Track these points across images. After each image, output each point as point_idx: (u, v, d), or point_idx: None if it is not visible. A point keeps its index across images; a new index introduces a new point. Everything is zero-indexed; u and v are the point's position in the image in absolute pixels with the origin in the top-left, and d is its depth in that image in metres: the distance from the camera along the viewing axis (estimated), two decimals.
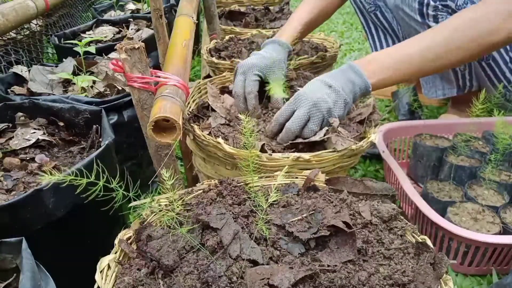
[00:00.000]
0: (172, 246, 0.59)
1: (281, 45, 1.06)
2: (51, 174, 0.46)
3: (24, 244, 0.58)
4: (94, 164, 0.76)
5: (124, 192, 0.53)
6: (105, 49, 1.45)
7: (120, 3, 2.29)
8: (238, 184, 0.72)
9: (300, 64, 1.20)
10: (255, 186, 0.73)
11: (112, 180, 0.50)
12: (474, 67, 1.27)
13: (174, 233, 0.59)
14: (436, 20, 1.16)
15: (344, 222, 0.60)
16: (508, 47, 1.20)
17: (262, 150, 0.80)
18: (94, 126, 0.95)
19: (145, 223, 0.66)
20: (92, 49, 1.35)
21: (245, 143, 0.65)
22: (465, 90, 1.33)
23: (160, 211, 0.67)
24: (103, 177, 0.49)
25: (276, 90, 0.96)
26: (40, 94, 1.15)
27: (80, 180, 0.48)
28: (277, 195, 0.61)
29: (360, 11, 1.53)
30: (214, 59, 1.27)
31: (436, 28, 0.91)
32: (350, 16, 3.03)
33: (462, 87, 1.33)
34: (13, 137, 0.96)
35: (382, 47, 1.64)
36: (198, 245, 0.59)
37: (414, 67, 0.89)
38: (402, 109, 1.50)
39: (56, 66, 1.28)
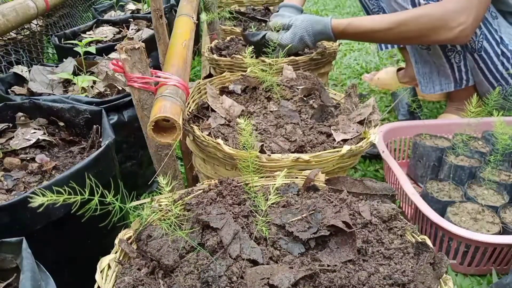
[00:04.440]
0: (172, 246, 0.60)
1: (293, 7, 1.36)
2: (43, 195, 0.46)
3: (25, 244, 0.58)
4: (92, 168, 0.76)
5: (121, 205, 0.53)
6: (105, 49, 1.45)
7: (120, 3, 2.29)
8: (238, 184, 0.72)
9: (300, 60, 1.21)
10: (255, 186, 0.74)
11: (107, 193, 0.50)
12: (468, 60, 1.28)
13: (174, 234, 0.59)
14: None
15: (344, 222, 0.60)
16: (498, 39, 1.20)
17: (261, 150, 0.81)
18: (95, 126, 0.95)
19: (145, 223, 0.66)
20: (92, 49, 1.36)
21: (244, 144, 0.65)
22: (462, 85, 1.33)
23: (160, 211, 0.67)
24: (97, 192, 0.48)
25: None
26: (40, 94, 1.15)
27: (74, 198, 0.48)
28: (276, 197, 0.61)
29: (366, 11, 1.57)
30: (215, 56, 1.28)
31: (396, 13, 1.16)
32: (350, 16, 3.03)
33: (459, 81, 1.33)
34: (13, 137, 0.96)
35: (387, 47, 1.67)
36: (198, 247, 0.60)
37: (369, 37, 1.21)
38: (401, 109, 1.50)
39: (57, 66, 1.28)
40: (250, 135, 0.63)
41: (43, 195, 0.45)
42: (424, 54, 1.34)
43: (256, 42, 1.24)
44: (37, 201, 0.45)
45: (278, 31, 1.23)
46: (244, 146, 0.66)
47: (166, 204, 0.68)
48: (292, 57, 1.21)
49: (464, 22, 1.08)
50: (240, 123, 0.63)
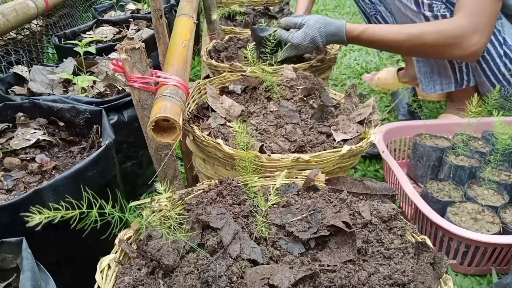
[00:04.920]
0: (172, 246, 0.60)
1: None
2: (39, 213, 0.45)
3: (25, 244, 0.58)
4: (92, 168, 0.76)
5: (121, 215, 0.53)
6: (105, 49, 1.45)
7: (120, 3, 2.29)
8: (238, 184, 0.72)
9: (300, 67, 1.20)
10: (255, 186, 0.74)
11: (105, 205, 0.50)
12: None
13: (174, 237, 0.59)
14: (431, 9, 1.19)
15: (344, 222, 0.60)
16: (501, 40, 1.20)
17: (261, 150, 0.81)
18: (95, 126, 0.95)
19: (145, 223, 0.66)
20: (92, 49, 1.36)
21: (241, 146, 0.65)
22: (463, 85, 1.33)
23: (160, 211, 0.67)
24: (95, 205, 0.48)
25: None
26: (40, 94, 1.15)
27: (72, 212, 0.47)
28: (276, 198, 0.61)
29: (364, 14, 1.58)
30: (213, 61, 1.26)
31: (412, 26, 1.19)
32: (350, 16, 3.03)
33: (460, 82, 1.33)
34: (13, 137, 0.96)
35: None
36: (198, 249, 0.60)
37: (382, 46, 1.22)
38: (401, 109, 1.50)
39: (57, 66, 1.28)
40: (247, 136, 0.63)
41: (40, 213, 0.44)
42: None
43: (264, 37, 1.19)
44: (34, 220, 0.44)
45: (288, 29, 1.21)
46: (241, 148, 0.66)
47: (165, 204, 0.68)
48: (291, 65, 1.19)
49: (477, 42, 1.10)
50: (233, 126, 0.63)
